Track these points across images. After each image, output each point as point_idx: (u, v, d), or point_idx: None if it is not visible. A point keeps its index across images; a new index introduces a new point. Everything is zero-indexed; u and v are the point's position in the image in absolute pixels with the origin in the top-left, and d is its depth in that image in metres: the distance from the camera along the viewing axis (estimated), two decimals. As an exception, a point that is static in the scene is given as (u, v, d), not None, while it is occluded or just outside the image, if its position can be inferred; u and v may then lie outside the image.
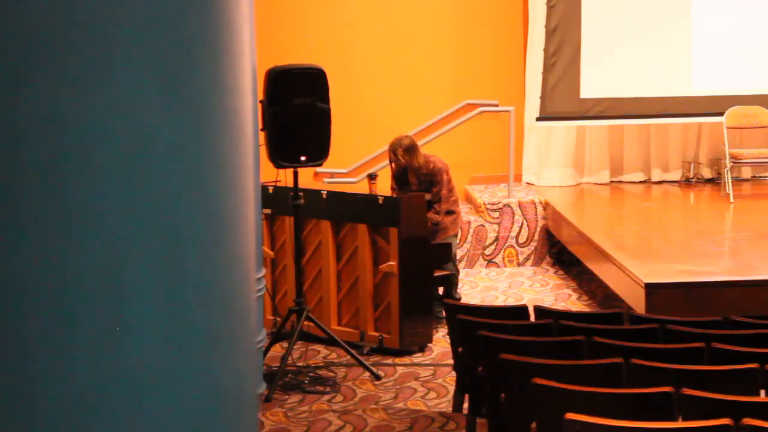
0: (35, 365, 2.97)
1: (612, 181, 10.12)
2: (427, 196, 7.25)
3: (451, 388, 5.86)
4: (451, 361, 5.90)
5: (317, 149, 6.26)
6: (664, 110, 9.73)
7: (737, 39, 9.72)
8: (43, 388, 2.98)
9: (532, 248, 9.18)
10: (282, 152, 6.15)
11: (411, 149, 7.33)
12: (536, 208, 9.23)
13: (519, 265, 9.16)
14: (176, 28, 3.11)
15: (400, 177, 7.47)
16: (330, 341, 6.69)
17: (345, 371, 6.47)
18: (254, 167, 4.33)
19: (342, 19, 10.03)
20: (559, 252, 9.11)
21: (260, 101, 6.00)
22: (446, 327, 6.09)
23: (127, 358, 3.05)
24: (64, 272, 2.96)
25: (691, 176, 10.07)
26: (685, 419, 3.80)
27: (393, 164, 7.46)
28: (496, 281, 8.69)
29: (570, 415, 3.54)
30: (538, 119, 9.79)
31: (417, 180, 7.38)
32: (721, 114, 9.48)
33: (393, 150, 7.36)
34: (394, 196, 6.95)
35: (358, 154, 9.83)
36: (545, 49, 9.68)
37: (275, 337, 6.68)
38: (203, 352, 3.24)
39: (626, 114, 9.78)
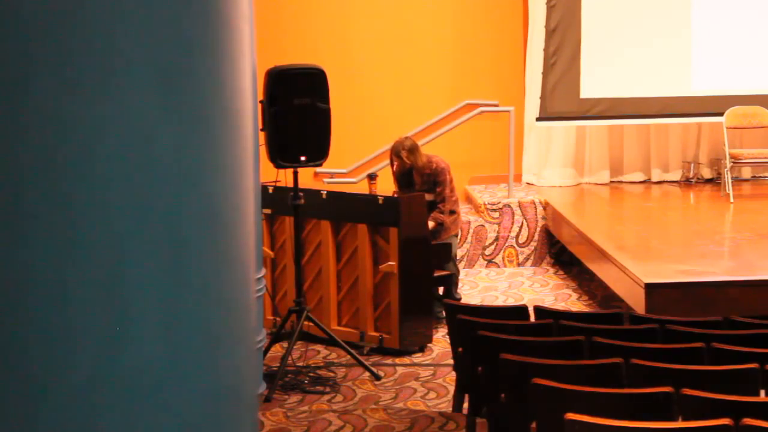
0: (35, 365, 2.97)
1: (612, 181, 10.13)
2: (429, 197, 7.26)
3: (451, 388, 5.86)
4: (451, 361, 5.90)
5: (317, 149, 6.26)
6: (664, 110, 9.73)
7: (737, 39, 9.72)
8: (43, 388, 2.98)
9: (532, 248, 9.19)
10: (282, 152, 6.15)
11: (414, 149, 7.35)
12: (536, 208, 9.23)
13: (519, 265, 9.16)
14: (176, 28, 3.11)
15: (402, 178, 7.47)
16: (330, 341, 6.69)
17: (345, 371, 6.47)
18: (254, 167, 4.33)
19: (342, 20, 10.03)
20: (559, 252, 9.11)
21: (260, 101, 6.00)
22: (446, 327, 6.09)
23: (126, 358, 3.05)
24: (65, 272, 2.96)
25: (691, 176, 10.07)
26: (685, 419, 3.80)
27: (395, 166, 7.46)
28: (496, 281, 8.69)
29: (570, 415, 3.54)
30: (538, 119, 9.79)
31: (421, 180, 7.39)
32: (721, 114, 9.49)
33: (396, 152, 7.37)
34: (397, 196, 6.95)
35: (358, 154, 9.83)
36: (545, 49, 9.68)
37: (275, 337, 6.68)
38: (203, 352, 3.24)
39: (626, 114, 9.78)
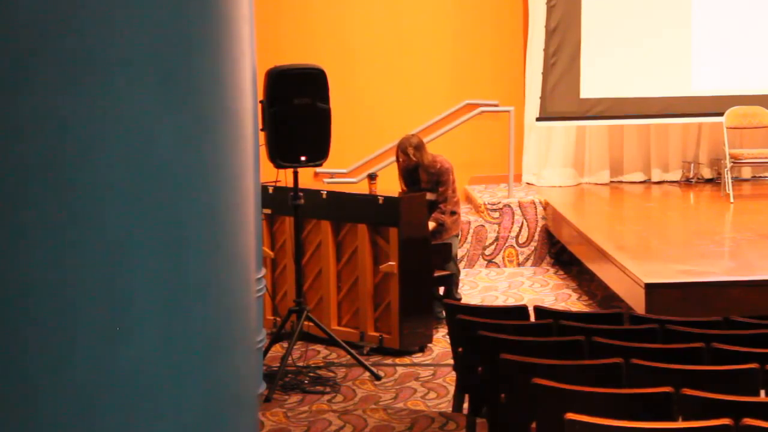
0: (35, 365, 2.97)
1: (612, 181, 10.13)
2: (431, 196, 7.26)
3: (451, 388, 5.86)
4: (451, 361, 5.90)
5: (317, 149, 6.26)
6: (664, 110, 9.73)
7: (737, 39, 9.72)
8: (42, 388, 2.97)
9: (532, 248, 9.19)
10: (282, 152, 6.15)
11: (420, 147, 7.37)
12: (536, 208, 9.23)
13: (519, 265, 9.16)
14: (176, 28, 3.11)
15: (408, 176, 7.47)
16: (330, 341, 6.69)
17: (345, 371, 6.47)
18: (254, 167, 4.33)
19: (342, 19, 10.03)
20: (559, 252, 9.11)
21: (260, 101, 6.00)
22: (446, 327, 6.09)
23: (126, 358, 3.05)
24: (64, 272, 2.96)
25: (691, 176, 10.07)
26: (685, 419, 3.80)
27: (401, 162, 7.45)
28: (496, 281, 8.69)
29: (570, 415, 3.54)
30: (538, 119, 9.79)
31: (426, 178, 7.38)
32: (721, 114, 9.49)
33: (402, 148, 7.37)
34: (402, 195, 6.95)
35: (358, 154, 9.83)
36: (545, 49, 9.68)
37: (275, 337, 6.68)
38: (203, 352, 3.24)
39: (626, 114, 9.79)
